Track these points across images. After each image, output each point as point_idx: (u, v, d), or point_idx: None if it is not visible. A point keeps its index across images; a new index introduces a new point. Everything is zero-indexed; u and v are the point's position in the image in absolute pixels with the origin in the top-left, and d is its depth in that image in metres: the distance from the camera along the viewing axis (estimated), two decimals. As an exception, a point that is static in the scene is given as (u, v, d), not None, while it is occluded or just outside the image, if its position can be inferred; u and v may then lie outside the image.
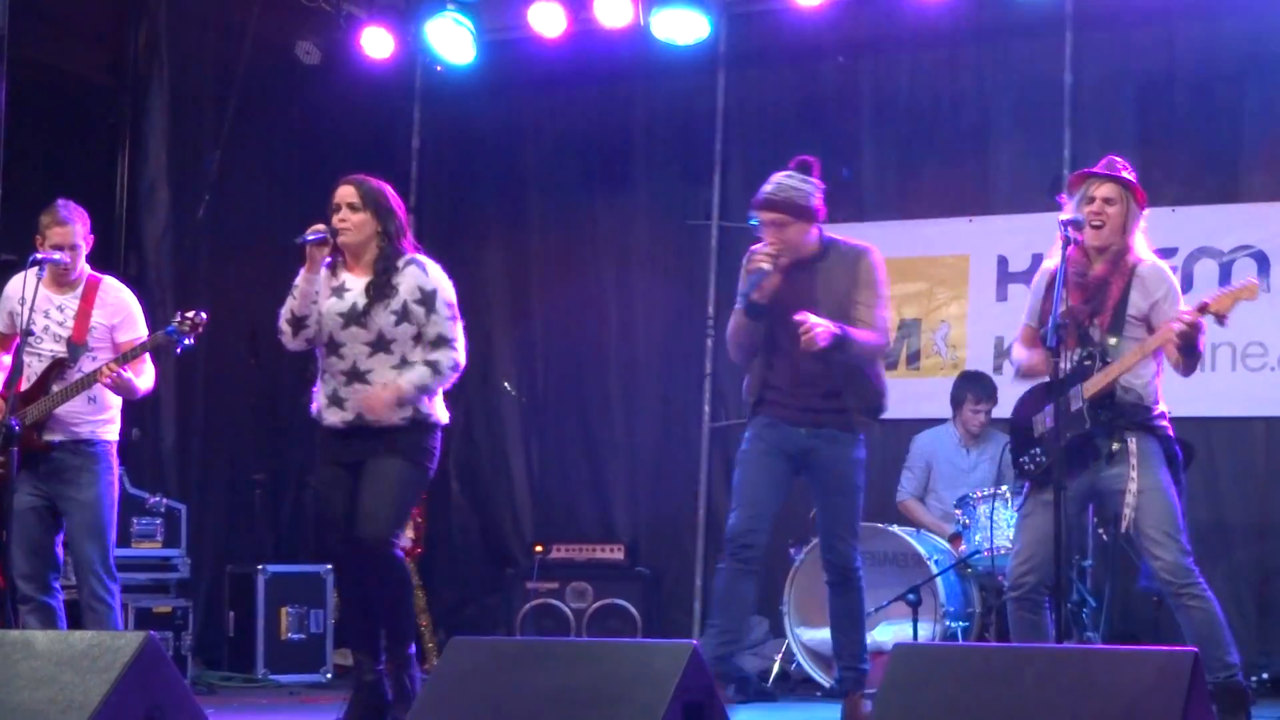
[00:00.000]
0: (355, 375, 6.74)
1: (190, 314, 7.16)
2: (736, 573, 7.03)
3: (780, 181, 7.03)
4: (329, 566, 10.13)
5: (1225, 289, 6.34)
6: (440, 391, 6.87)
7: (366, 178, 6.87)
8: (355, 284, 6.80)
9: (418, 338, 6.78)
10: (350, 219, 6.77)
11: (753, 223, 7.09)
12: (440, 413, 6.87)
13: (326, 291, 6.81)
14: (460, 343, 6.84)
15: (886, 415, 10.24)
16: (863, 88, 10.71)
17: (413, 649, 6.89)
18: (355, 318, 6.74)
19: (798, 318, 6.77)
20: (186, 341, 7.18)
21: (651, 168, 11.24)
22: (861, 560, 7.25)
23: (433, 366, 6.75)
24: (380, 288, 6.74)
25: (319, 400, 6.88)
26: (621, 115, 11.26)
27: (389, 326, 6.73)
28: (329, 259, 6.84)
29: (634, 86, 11.21)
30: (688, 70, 10.95)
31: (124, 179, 10.39)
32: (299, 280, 6.78)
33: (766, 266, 6.89)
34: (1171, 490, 6.37)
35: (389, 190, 6.89)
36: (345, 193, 6.81)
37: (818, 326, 6.74)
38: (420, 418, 6.77)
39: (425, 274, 6.80)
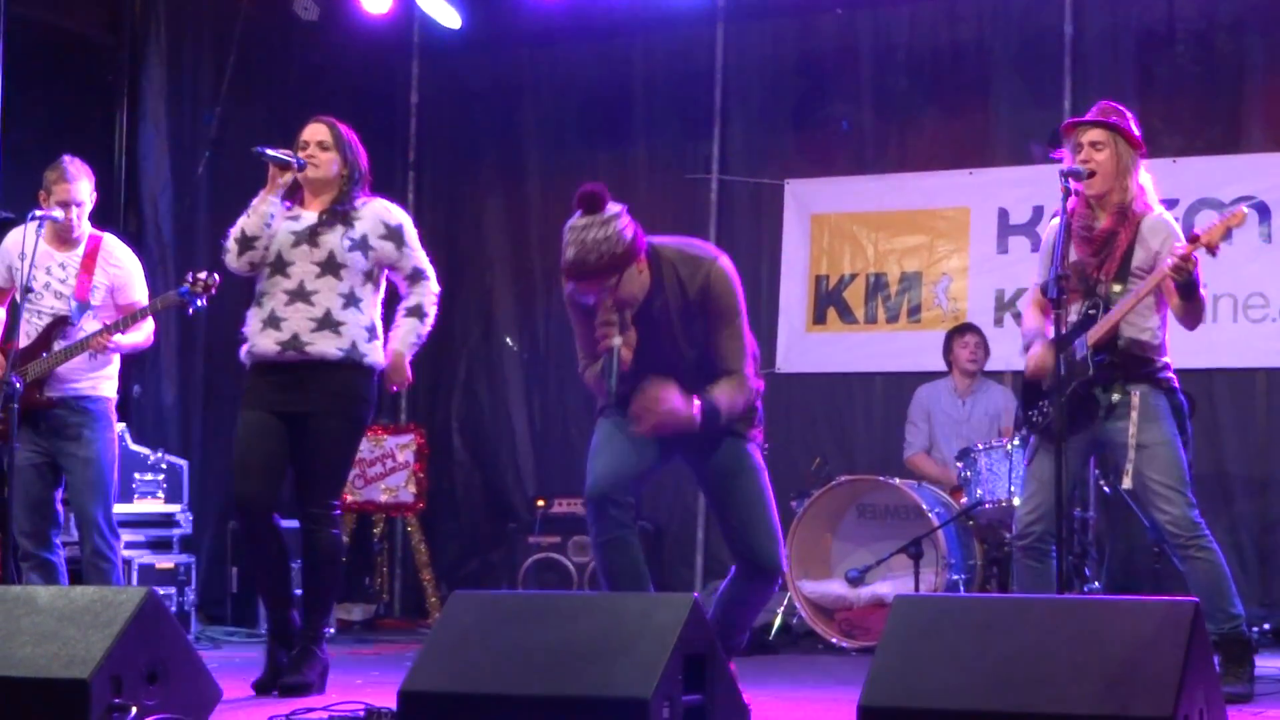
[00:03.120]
0: (299, 295, 6.61)
1: (202, 275, 7.13)
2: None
3: (583, 240, 5.62)
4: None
5: (1216, 219, 6.31)
6: (380, 335, 6.74)
7: (337, 121, 6.83)
8: (308, 215, 6.72)
9: (370, 274, 6.69)
10: (319, 156, 6.71)
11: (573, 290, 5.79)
12: (376, 355, 6.70)
13: (280, 218, 6.70)
14: (431, 271, 6.79)
15: (887, 369, 10.42)
16: (862, 40, 10.68)
17: (328, 630, 6.85)
18: (306, 236, 6.64)
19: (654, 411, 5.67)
20: (199, 303, 7.17)
21: (651, 122, 11.22)
22: (781, 548, 5.93)
23: (416, 313, 6.73)
24: (336, 213, 6.67)
25: (250, 329, 6.70)
26: (620, 69, 11.24)
27: (341, 250, 6.61)
28: (287, 199, 6.75)
29: (633, 40, 11.18)
30: (687, 23, 10.93)
31: (123, 136, 10.36)
32: (256, 201, 6.66)
33: (616, 343, 5.68)
34: (1178, 443, 6.36)
35: (355, 138, 6.84)
36: (317, 130, 6.77)
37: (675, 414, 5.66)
38: (356, 358, 6.63)
39: (388, 211, 6.76)
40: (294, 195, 6.79)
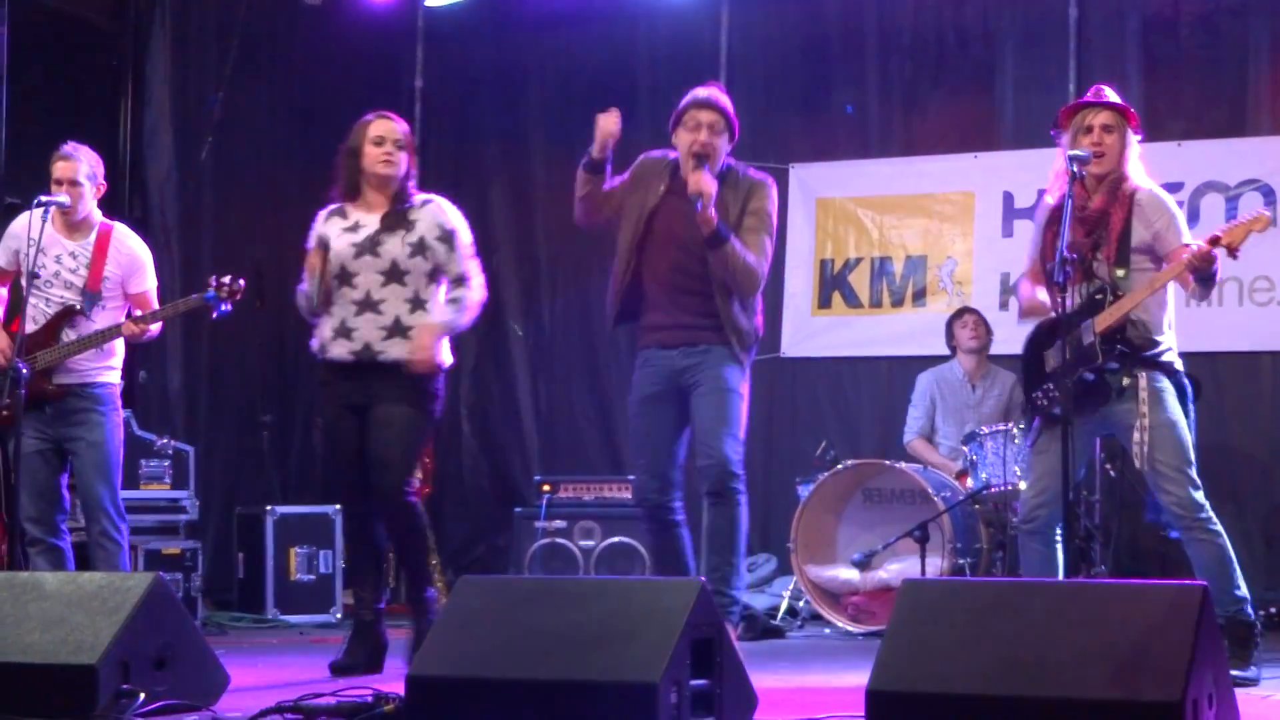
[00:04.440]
0: (367, 305, 6.77)
1: (227, 280, 7.24)
2: (661, 529, 6.95)
3: (715, 92, 7.05)
4: (337, 507, 10.14)
5: (1236, 220, 6.32)
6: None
7: (400, 118, 6.99)
8: (369, 220, 6.87)
9: (433, 274, 6.84)
10: (396, 155, 6.87)
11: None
12: (446, 354, 6.90)
13: (337, 234, 6.85)
14: (479, 279, 6.94)
15: (893, 353, 10.42)
16: (867, 24, 10.67)
17: (432, 594, 6.93)
18: (369, 247, 6.79)
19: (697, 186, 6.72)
20: (224, 307, 7.25)
21: (655, 106, 11.16)
22: (745, 476, 6.84)
23: (456, 304, 6.85)
24: (395, 217, 6.83)
25: (323, 334, 6.88)
26: (625, 53, 11.22)
27: (403, 257, 6.78)
28: (346, 200, 6.92)
29: (637, 24, 11.17)
30: (691, 8, 10.91)
31: (127, 122, 10.37)
32: (307, 287, 6.85)
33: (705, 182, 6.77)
34: (1182, 425, 6.37)
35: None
36: (393, 128, 6.92)
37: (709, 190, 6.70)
38: None
39: (445, 213, 6.90)
40: (353, 196, 6.91)
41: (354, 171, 6.88)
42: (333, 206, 6.96)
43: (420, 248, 6.80)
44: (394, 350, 6.75)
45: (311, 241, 6.94)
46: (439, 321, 6.80)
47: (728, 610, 6.63)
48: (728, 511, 6.78)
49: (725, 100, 7.01)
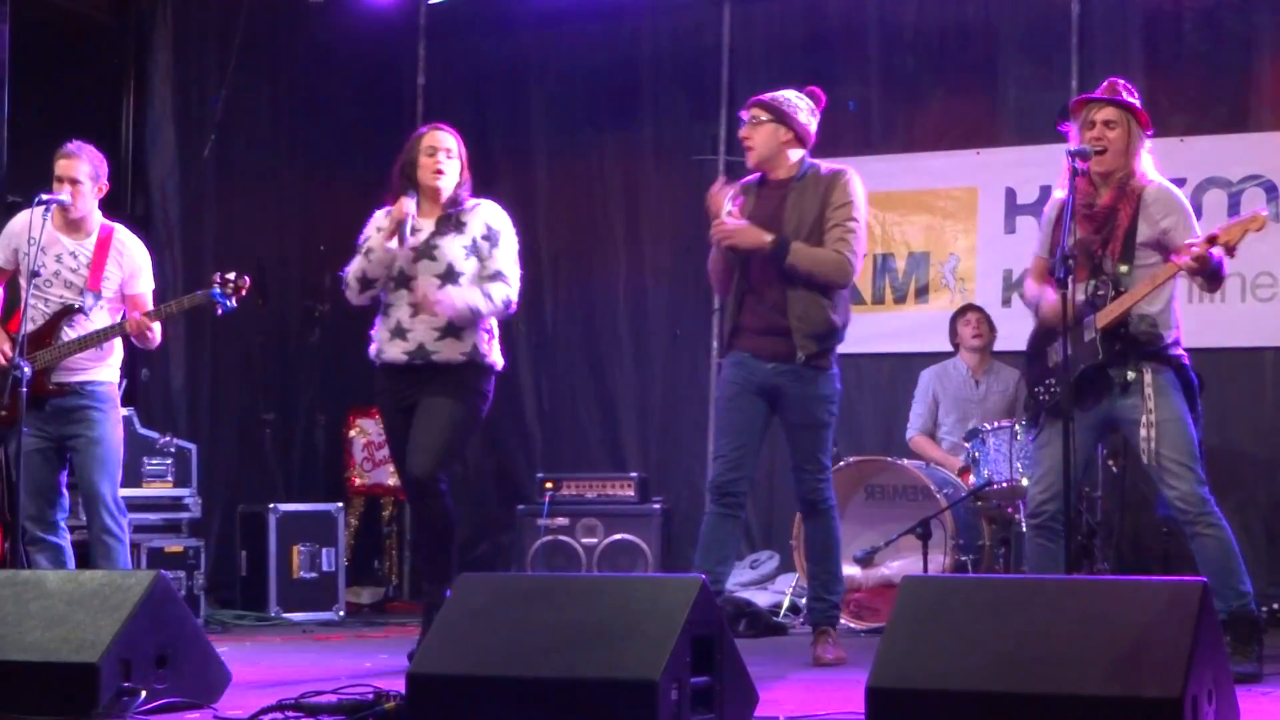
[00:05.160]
0: (424, 308, 6.84)
1: (232, 276, 7.27)
2: (720, 518, 7.08)
3: (776, 92, 7.12)
4: (340, 505, 10.16)
5: (1233, 220, 6.32)
6: (495, 334, 7.03)
7: (450, 128, 7.08)
8: (424, 224, 6.96)
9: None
10: (448, 165, 6.97)
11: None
12: (495, 356, 7.00)
13: (397, 241, 6.92)
14: (515, 283, 6.97)
15: (895, 349, 10.41)
16: (868, 20, 10.66)
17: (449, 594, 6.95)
18: (426, 251, 6.87)
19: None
20: (230, 303, 7.27)
21: (657, 103, 11.20)
22: (834, 493, 7.21)
23: (485, 293, 6.87)
24: (449, 221, 6.93)
25: (379, 337, 7.00)
26: (627, 50, 11.22)
27: (459, 259, 6.88)
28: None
29: (639, 21, 11.16)
30: (693, 4, 10.92)
31: (129, 119, 10.36)
32: (375, 245, 6.91)
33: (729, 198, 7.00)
34: (1188, 420, 6.37)
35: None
36: (446, 139, 7.02)
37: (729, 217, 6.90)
38: (476, 358, 6.92)
39: (493, 213, 7.01)
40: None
41: (409, 182, 6.98)
42: (389, 206, 7.02)
43: (474, 249, 6.91)
44: (446, 351, 6.85)
45: (368, 231, 7.02)
46: (459, 297, 6.79)
47: (828, 613, 7.20)
48: (823, 523, 7.16)
49: (779, 95, 7.11)
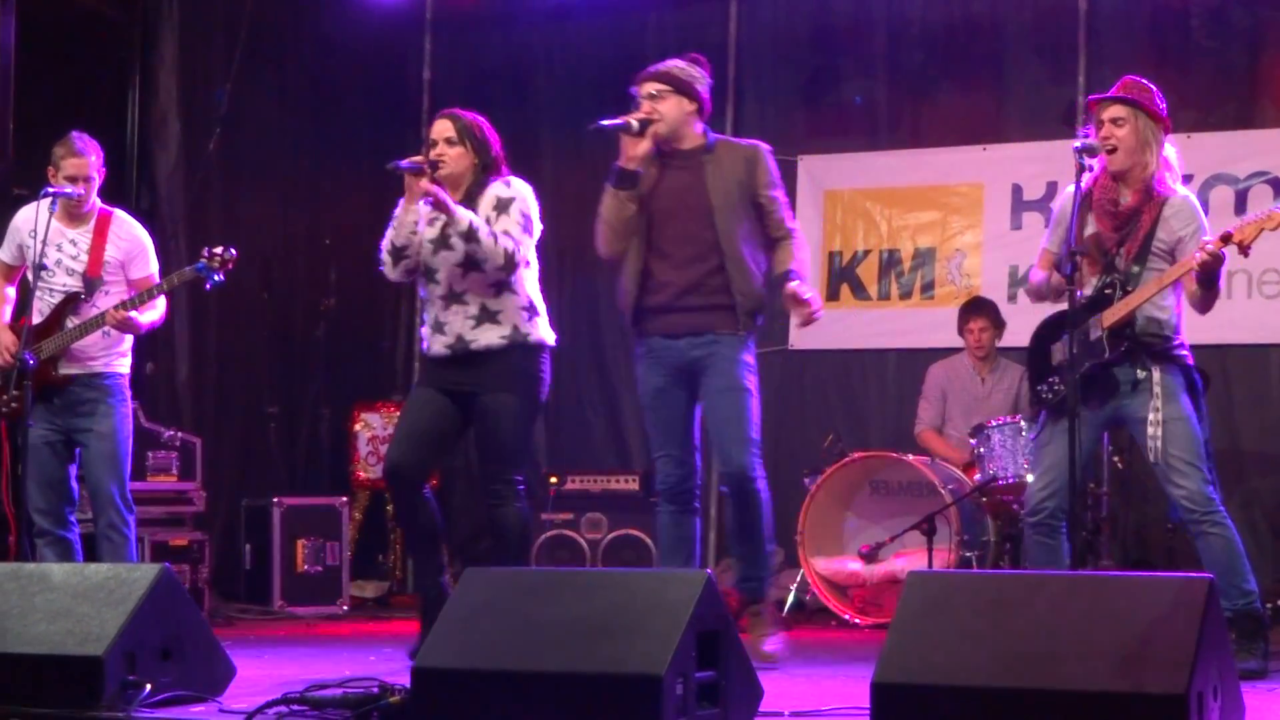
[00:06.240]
0: (452, 297, 6.79)
1: (219, 250, 7.22)
2: (676, 515, 6.98)
3: (664, 63, 7.01)
4: (344, 499, 10.16)
5: (1249, 218, 6.29)
6: (541, 310, 6.94)
7: (461, 112, 6.94)
8: (443, 215, 6.83)
9: None
10: (448, 153, 6.85)
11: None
12: (544, 333, 6.94)
13: (424, 223, 6.84)
14: (522, 244, 6.79)
15: (901, 345, 10.41)
16: (875, 15, 10.65)
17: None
18: (443, 241, 6.77)
19: (797, 292, 6.76)
20: (216, 278, 7.23)
21: (663, 99, 11.18)
22: (762, 471, 6.86)
23: (491, 228, 6.70)
24: (464, 208, 6.78)
25: (425, 333, 6.93)
26: (633, 45, 11.19)
27: None
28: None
29: (645, 17, 11.16)
30: (699, -1, 10.92)
31: (135, 113, 10.38)
32: (398, 211, 6.80)
33: (631, 121, 6.86)
34: (1194, 419, 6.36)
35: (484, 122, 6.95)
36: (442, 127, 6.90)
37: (810, 298, 6.79)
38: (519, 339, 6.82)
39: (506, 186, 6.87)
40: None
41: (434, 170, 6.86)
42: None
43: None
44: (484, 337, 6.75)
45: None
46: (464, 212, 6.66)
47: (757, 589, 6.97)
48: (751, 509, 6.89)
49: (670, 65, 6.99)
